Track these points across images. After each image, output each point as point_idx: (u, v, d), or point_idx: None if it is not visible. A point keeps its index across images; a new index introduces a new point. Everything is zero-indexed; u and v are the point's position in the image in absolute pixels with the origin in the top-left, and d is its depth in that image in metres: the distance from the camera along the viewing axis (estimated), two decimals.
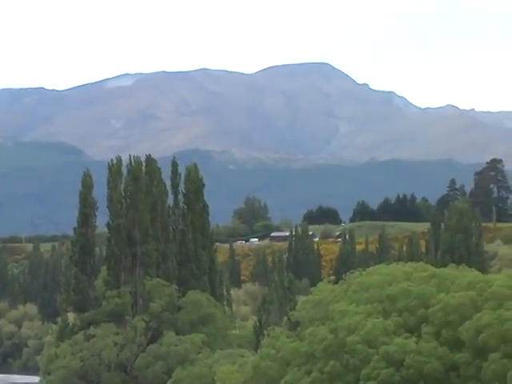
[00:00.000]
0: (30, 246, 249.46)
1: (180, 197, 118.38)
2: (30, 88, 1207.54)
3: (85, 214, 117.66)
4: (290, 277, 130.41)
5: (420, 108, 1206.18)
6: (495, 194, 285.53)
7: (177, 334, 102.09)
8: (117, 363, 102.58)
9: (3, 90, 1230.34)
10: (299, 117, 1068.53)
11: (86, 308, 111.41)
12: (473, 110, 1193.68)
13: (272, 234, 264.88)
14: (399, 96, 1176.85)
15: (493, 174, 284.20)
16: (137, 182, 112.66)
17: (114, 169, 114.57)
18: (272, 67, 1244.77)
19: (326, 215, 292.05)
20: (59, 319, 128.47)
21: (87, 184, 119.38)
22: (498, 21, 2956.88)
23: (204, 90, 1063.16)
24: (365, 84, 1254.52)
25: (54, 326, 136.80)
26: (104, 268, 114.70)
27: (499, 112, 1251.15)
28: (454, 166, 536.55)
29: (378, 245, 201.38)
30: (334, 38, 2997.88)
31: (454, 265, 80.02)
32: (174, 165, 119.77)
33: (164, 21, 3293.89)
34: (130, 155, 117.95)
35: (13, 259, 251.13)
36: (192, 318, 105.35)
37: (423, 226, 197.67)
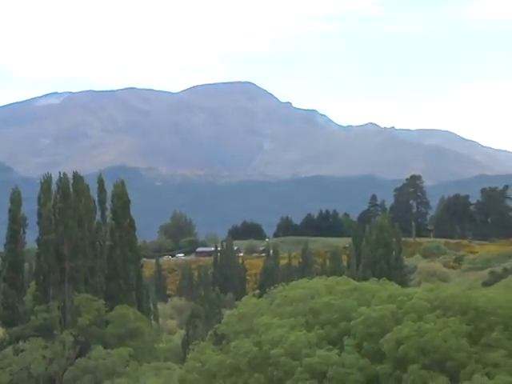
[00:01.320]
0: None
1: (107, 213, 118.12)
2: None
3: (14, 230, 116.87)
4: (216, 291, 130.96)
5: (341, 126, 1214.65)
6: (414, 210, 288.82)
7: (105, 347, 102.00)
8: (45, 377, 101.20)
9: None
10: (224, 134, 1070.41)
11: (14, 323, 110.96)
12: (393, 127, 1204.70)
13: (198, 250, 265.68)
14: (321, 114, 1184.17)
15: (412, 190, 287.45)
16: (66, 198, 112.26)
17: (45, 186, 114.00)
18: (197, 86, 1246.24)
19: (250, 230, 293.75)
20: None
21: (16, 201, 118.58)
22: (416, 41, 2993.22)
23: (131, 108, 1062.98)
24: (288, 102, 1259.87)
25: None
26: (33, 283, 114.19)
27: (417, 130, 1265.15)
28: (375, 182, 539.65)
29: (301, 259, 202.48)
30: (259, 57, 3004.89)
31: (375, 278, 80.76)
32: (100, 181, 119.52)
33: (92, 40, 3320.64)
34: (59, 172, 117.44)
35: None
36: (119, 331, 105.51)
37: (345, 241, 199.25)
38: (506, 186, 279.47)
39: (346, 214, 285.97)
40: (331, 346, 59.13)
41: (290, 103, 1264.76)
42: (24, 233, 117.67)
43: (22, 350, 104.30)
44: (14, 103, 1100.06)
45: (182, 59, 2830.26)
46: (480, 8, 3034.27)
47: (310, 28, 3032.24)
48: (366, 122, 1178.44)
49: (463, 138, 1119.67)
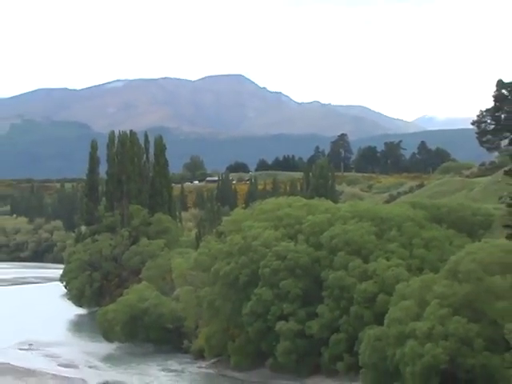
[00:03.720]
0: (58, 185, 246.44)
1: (150, 155, 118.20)
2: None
3: (92, 165, 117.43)
4: (217, 205, 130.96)
5: (297, 102, 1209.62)
6: (343, 155, 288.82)
7: (148, 239, 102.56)
8: (110, 257, 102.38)
9: None
10: (223, 107, 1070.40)
11: (92, 223, 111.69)
12: (330, 104, 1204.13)
13: (207, 179, 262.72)
14: (285, 95, 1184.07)
15: (341, 142, 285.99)
16: (123, 146, 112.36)
17: (111, 138, 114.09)
18: (207, 77, 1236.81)
19: (240, 167, 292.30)
20: (76, 230, 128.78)
21: (94, 147, 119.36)
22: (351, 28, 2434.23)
23: (166, 90, 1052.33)
24: (264, 87, 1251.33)
25: (73, 234, 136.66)
26: (104, 198, 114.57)
27: (347, 105, 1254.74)
28: (318, 139, 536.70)
29: (272, 186, 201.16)
30: (250, 50, 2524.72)
31: (317, 198, 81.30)
32: (146, 136, 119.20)
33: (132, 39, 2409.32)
34: (119, 130, 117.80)
35: (47, 193, 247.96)
36: (157, 229, 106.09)
37: (299, 175, 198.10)
38: (400, 141, 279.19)
39: (300, 158, 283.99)
40: (290, 240, 59.40)
41: (265, 88, 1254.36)
42: (98, 167, 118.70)
43: (96, 240, 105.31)
44: (92, 86, 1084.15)
45: (194, 52, 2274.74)
46: None
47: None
48: (312, 100, 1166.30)
49: (373, 110, 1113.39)
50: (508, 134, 74.10)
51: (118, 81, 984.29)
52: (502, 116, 73.54)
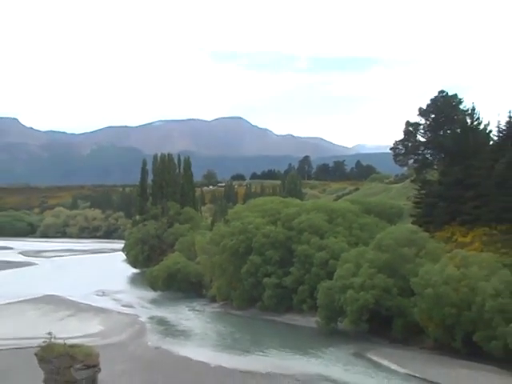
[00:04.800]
0: (121, 189, 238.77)
1: (181, 169, 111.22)
2: None
3: (143, 176, 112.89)
4: (225, 202, 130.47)
5: (277, 135, 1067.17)
6: (307, 169, 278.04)
7: (179, 224, 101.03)
8: (155, 235, 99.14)
9: None
10: (229, 139, 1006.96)
11: (143, 213, 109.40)
12: (298, 136, 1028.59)
13: (218, 185, 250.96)
14: (269, 130, 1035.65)
15: (305, 161, 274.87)
16: (163, 163, 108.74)
17: (155, 158, 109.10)
18: (220, 118, 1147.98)
19: (240, 177, 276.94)
20: (133, 218, 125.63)
21: (144, 164, 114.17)
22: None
23: (190, 127, 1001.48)
24: (255, 125, 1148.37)
25: (130, 221, 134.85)
26: (150, 197, 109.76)
27: (311, 137, 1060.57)
28: (291, 159, 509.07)
29: (260, 189, 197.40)
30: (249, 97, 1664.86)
31: (290, 197, 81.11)
32: (178, 157, 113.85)
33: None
34: (161, 153, 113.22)
35: (114, 194, 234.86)
36: (185, 218, 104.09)
37: (278, 182, 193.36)
38: (344, 160, 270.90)
39: (279, 171, 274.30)
40: (272, 224, 59.10)
41: (257, 125, 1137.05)
42: (147, 177, 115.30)
43: (146, 224, 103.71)
44: (143, 124, 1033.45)
45: (210, 100, 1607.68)
46: None
47: None
48: (287, 133, 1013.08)
49: (325, 140, 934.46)
50: (412, 156, 74.39)
51: (159, 121, 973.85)
52: (409, 144, 73.84)
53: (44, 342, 30.56)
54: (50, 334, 30.99)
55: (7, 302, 64.08)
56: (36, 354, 30.20)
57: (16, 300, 65.02)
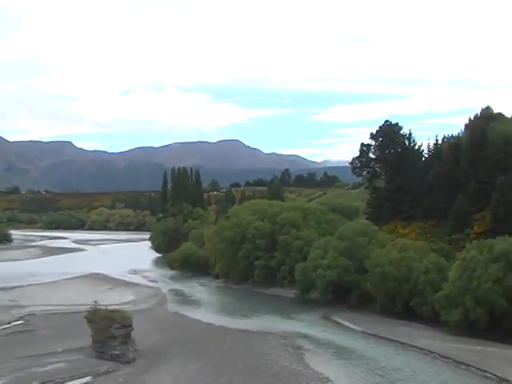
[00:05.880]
0: (147, 194, 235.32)
1: (192, 179, 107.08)
2: None
3: (164, 185, 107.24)
4: (225, 204, 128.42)
5: (264, 153, 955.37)
6: (287, 179, 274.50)
7: (192, 220, 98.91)
8: (173, 228, 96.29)
9: None
10: (229, 156, 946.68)
11: (164, 212, 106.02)
12: (281, 153, 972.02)
13: (220, 190, 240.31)
14: (258, 149, 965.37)
15: (286, 173, 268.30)
16: (180, 174, 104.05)
17: (173, 171, 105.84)
18: (223, 140, 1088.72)
19: (237, 185, 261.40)
20: (156, 216, 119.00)
21: (165, 175, 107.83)
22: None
23: (199, 148, 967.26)
24: (248, 145, 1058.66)
25: (155, 217, 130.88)
26: (170, 200, 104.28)
27: (290, 154, 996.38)
28: (275, 171, 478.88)
29: (252, 194, 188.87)
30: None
31: (274, 200, 79.90)
32: (191, 170, 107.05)
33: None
34: (178, 167, 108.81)
35: (142, 198, 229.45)
36: (196, 215, 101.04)
37: (265, 189, 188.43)
38: (314, 172, 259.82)
39: (266, 180, 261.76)
40: (261, 220, 58.39)
41: (249, 145, 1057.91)
42: (167, 185, 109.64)
43: (166, 221, 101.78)
44: (165, 145, 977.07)
45: (212, 126, 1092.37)
46: None
47: None
48: (272, 152, 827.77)
49: (301, 157, 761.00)
50: (366, 168, 74.89)
51: (176, 143, 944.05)
52: (363, 160, 74.37)
53: (91, 307, 31.01)
54: (95, 301, 31.56)
55: (64, 278, 63.75)
56: (85, 317, 30.57)
57: (70, 277, 64.64)
